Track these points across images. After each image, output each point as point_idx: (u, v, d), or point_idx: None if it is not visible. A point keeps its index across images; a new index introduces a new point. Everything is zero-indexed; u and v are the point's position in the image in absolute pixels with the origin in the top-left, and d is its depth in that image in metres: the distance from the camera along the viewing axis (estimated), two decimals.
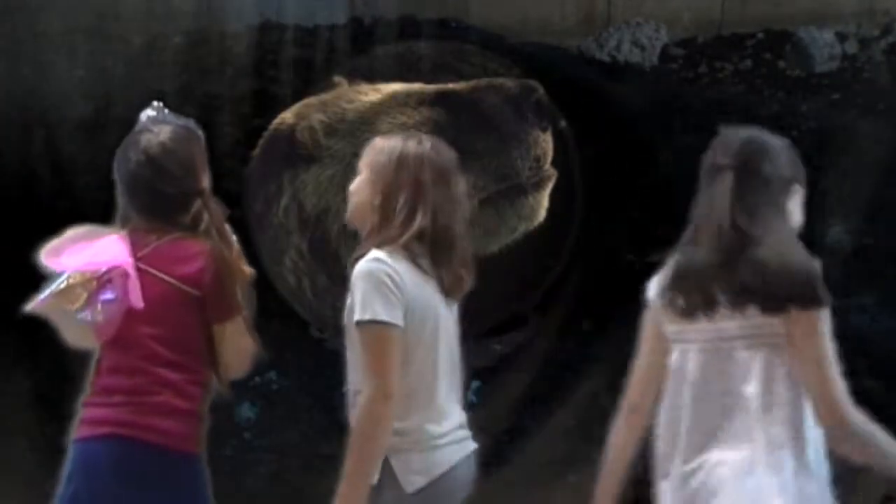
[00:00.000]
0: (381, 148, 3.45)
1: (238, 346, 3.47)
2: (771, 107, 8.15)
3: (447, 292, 3.41)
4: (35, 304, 3.49)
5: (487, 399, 6.14)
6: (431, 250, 3.38)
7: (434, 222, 3.37)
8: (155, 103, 3.61)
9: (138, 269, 3.38)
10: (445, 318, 3.43)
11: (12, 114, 7.51)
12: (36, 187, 7.40)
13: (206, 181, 3.51)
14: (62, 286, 3.44)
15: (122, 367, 3.43)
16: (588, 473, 5.81)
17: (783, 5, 9.13)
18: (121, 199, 3.53)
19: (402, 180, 3.37)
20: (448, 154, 3.47)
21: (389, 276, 3.29)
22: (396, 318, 3.28)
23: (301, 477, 5.91)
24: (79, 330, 3.45)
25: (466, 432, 3.48)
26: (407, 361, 3.33)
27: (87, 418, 3.45)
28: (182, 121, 3.59)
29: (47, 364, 5.99)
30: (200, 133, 3.60)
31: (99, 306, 3.38)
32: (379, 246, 3.36)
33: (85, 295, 3.40)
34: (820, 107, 8.22)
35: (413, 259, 3.35)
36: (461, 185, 3.47)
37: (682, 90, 8.40)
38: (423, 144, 3.44)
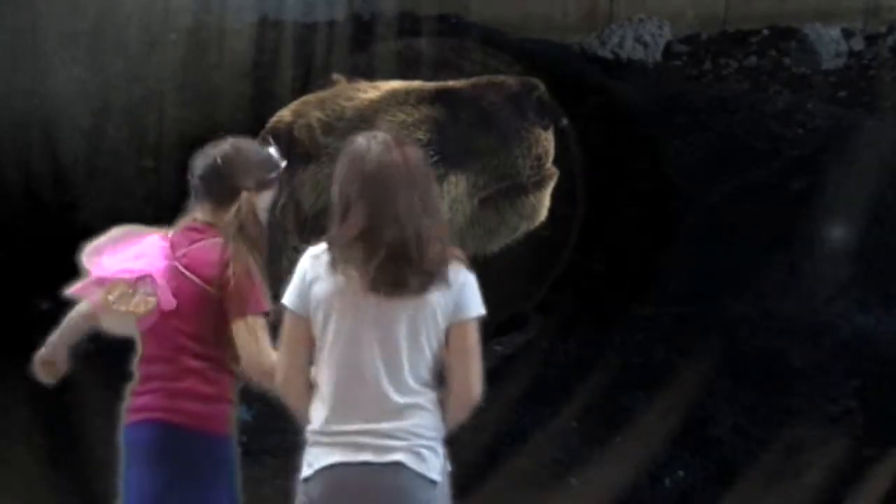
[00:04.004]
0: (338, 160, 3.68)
1: (243, 347, 3.78)
2: (776, 104, 8.10)
3: (373, 287, 3.46)
4: (76, 288, 3.89)
5: (487, 399, 6.09)
6: (362, 246, 3.47)
7: (359, 221, 3.47)
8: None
9: (175, 269, 3.81)
10: (363, 316, 3.49)
11: (12, 114, 7.49)
12: (36, 187, 7.39)
13: (251, 184, 3.94)
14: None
15: (157, 357, 3.85)
16: (588, 475, 5.82)
17: (788, 1, 9.10)
18: (194, 192, 3.95)
19: (343, 184, 3.57)
20: (382, 154, 3.54)
21: (304, 269, 3.57)
22: (295, 305, 3.56)
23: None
24: (117, 318, 3.85)
25: (382, 441, 3.48)
26: (317, 350, 3.58)
27: (131, 407, 3.89)
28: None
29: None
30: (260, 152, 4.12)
31: (138, 298, 3.80)
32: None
33: (125, 289, 3.81)
34: (826, 104, 8.18)
35: (332, 256, 3.51)
36: (407, 178, 3.51)
37: (686, 87, 8.37)
38: (357, 144, 3.61)
